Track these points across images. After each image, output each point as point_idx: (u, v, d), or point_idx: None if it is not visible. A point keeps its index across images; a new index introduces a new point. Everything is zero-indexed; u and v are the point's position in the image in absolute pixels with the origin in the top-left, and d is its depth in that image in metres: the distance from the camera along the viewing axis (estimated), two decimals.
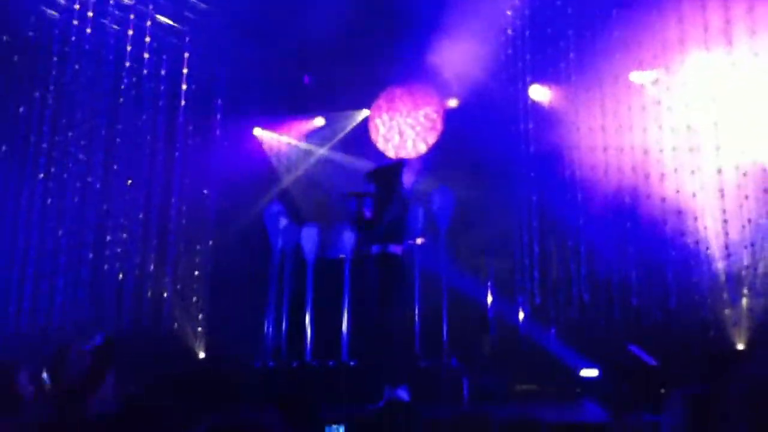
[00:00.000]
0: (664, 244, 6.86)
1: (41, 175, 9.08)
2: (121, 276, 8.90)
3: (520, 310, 7.53)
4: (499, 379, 6.30)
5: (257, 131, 10.39)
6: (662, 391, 4.83)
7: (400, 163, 6.09)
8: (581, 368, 6.42)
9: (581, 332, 7.05)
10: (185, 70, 9.64)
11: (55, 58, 9.07)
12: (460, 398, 5.88)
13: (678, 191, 6.82)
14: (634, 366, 5.56)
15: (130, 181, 9.04)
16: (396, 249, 5.31)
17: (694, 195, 6.73)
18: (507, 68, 8.05)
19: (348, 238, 7.22)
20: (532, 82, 8.02)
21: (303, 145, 10.28)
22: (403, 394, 4.70)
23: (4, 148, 9.08)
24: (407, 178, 5.77)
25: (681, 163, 6.86)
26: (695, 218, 6.74)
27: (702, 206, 6.67)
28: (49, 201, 9.08)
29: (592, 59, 7.52)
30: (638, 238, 7.02)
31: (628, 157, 7.21)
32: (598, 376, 6.20)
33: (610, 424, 4.73)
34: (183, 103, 9.60)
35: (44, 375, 3.55)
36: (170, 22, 9.49)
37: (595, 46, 7.49)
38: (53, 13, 9.08)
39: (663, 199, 6.92)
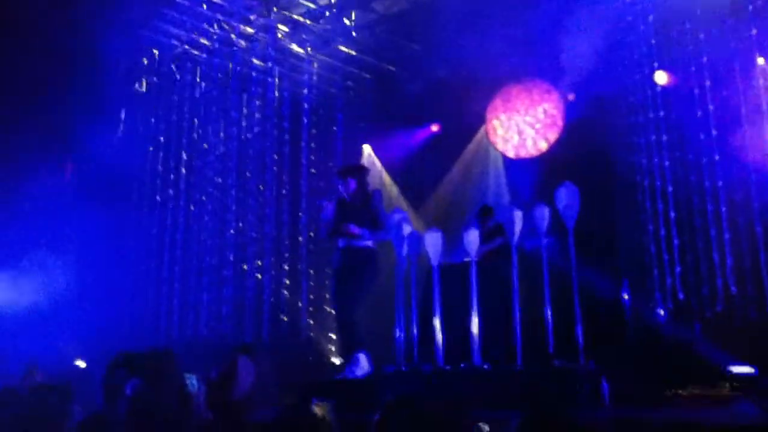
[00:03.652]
0: None
1: (181, 203, 9.92)
2: (259, 290, 9.45)
3: (660, 307, 7.16)
4: (642, 381, 6.02)
5: (366, 148, 10.55)
6: None
7: (364, 167, 6.32)
8: (732, 365, 6.01)
9: (730, 327, 6.60)
10: (305, 91, 10.09)
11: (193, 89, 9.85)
12: (600, 401, 5.67)
13: None
14: None
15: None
16: (361, 244, 5.64)
17: None
18: (630, 55, 7.71)
19: (472, 241, 7.18)
20: (658, 68, 7.64)
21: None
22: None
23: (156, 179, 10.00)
24: (371, 181, 6.13)
25: None
26: None
27: None
28: (191, 225, 9.90)
29: (719, 39, 7.06)
30: None
31: None
32: (752, 373, 5.77)
33: None
34: (305, 121, 10.04)
35: (194, 382, 3.83)
36: (293, 48, 9.93)
37: (723, 25, 7.03)
38: (187, 47, 9.81)
39: None
